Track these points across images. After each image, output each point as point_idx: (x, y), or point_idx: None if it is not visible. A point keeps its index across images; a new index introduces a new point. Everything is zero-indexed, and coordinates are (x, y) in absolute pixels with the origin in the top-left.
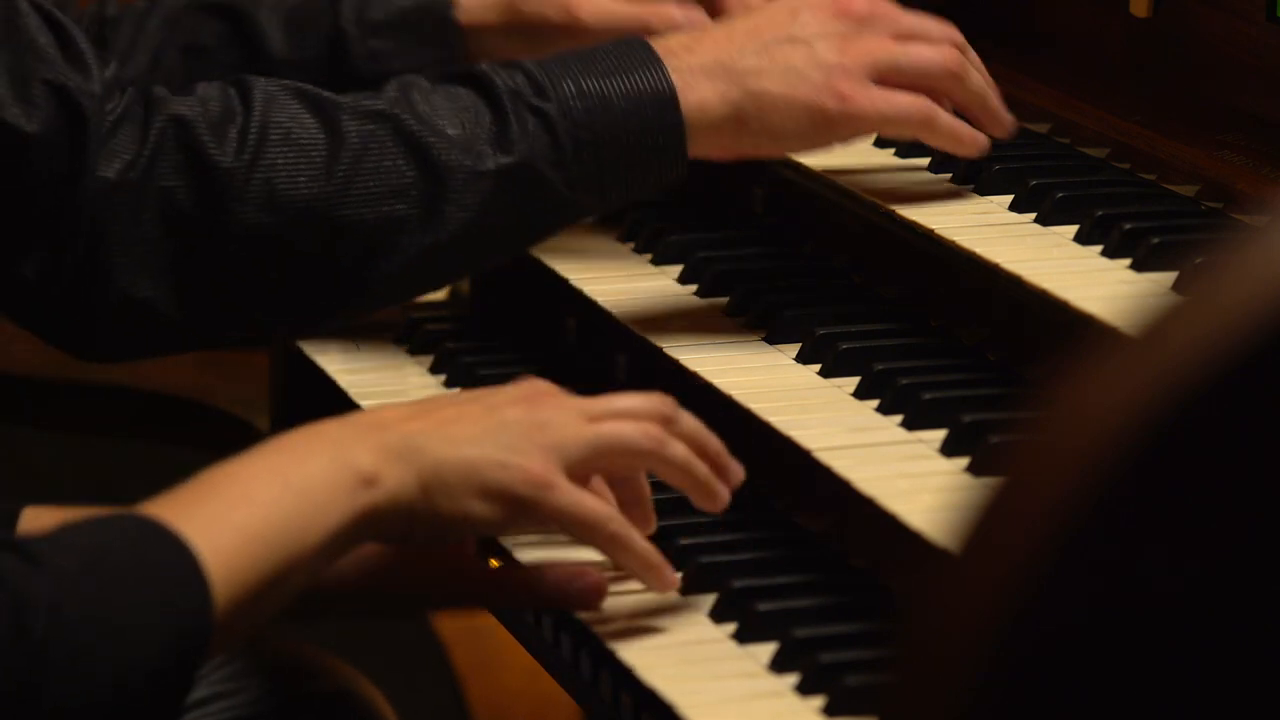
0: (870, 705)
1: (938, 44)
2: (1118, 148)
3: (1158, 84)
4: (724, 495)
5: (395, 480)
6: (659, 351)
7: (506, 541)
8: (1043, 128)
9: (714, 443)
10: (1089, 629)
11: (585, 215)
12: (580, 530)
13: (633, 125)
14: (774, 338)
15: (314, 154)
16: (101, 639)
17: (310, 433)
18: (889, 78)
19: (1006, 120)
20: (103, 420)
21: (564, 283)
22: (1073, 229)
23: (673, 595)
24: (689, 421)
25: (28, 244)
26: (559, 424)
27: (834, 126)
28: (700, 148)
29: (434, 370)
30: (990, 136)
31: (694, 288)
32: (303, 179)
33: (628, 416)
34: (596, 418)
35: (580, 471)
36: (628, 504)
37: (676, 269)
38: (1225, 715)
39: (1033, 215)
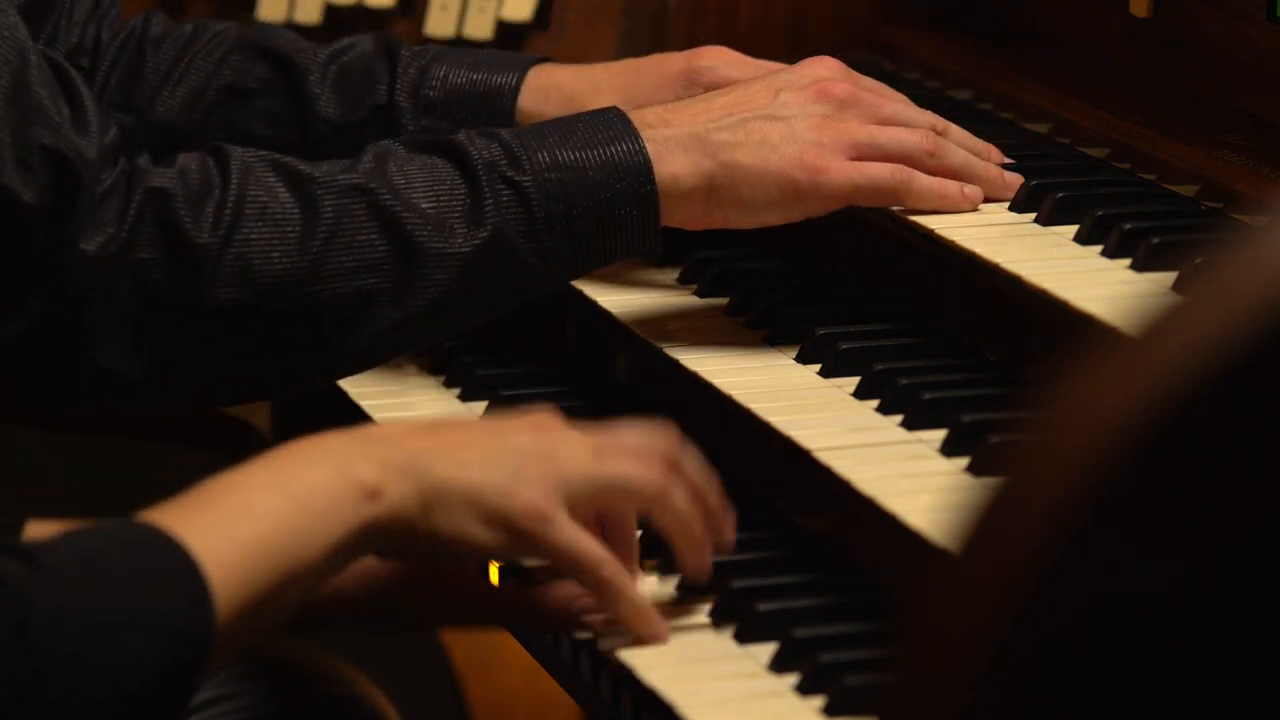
0: (870, 705)
1: (917, 129)
2: (1118, 148)
3: (1158, 84)
4: (708, 566)
5: (398, 494)
6: (659, 352)
7: None
8: (1043, 128)
9: (713, 497)
10: (1089, 629)
11: (557, 284)
12: (574, 569)
13: (606, 196)
14: (774, 338)
15: (288, 230)
16: (101, 643)
17: (314, 444)
18: (866, 156)
19: (1003, 183)
20: (102, 420)
21: None
22: (1073, 229)
23: (672, 595)
24: (693, 467)
25: (12, 306)
26: (565, 457)
27: (804, 198)
28: (672, 218)
29: (433, 370)
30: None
31: (694, 288)
32: (276, 254)
33: (635, 455)
34: (604, 454)
35: (580, 508)
36: (616, 550)
37: (676, 269)
38: (1225, 715)
39: (1033, 215)
